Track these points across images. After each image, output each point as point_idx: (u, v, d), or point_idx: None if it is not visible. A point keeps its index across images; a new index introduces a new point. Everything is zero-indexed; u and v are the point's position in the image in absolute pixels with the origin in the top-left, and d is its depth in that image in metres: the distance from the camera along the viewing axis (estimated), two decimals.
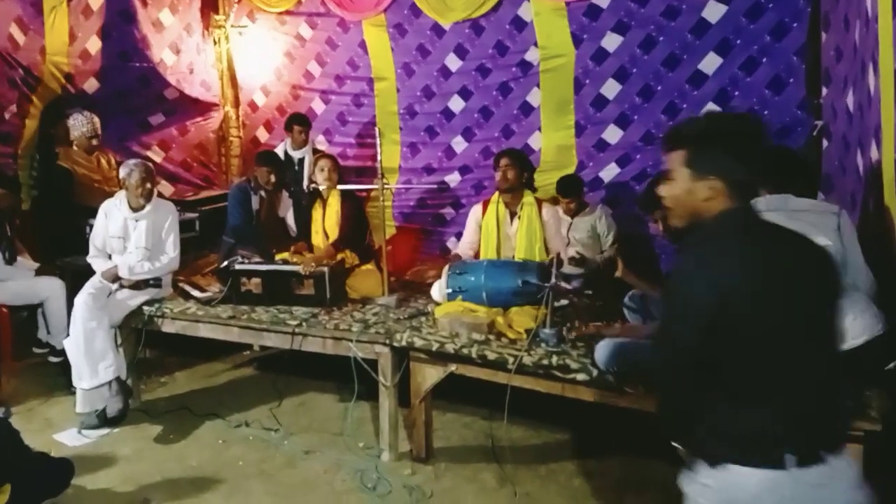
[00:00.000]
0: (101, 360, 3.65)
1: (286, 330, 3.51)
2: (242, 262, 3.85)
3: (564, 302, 3.52)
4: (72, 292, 3.95)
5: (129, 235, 3.90)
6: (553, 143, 4.83)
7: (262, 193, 4.36)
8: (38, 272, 4.39)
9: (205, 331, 3.79)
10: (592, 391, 2.83)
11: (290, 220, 4.52)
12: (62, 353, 3.86)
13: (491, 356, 2.99)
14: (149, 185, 3.86)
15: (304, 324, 3.49)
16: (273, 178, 4.32)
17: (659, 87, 4.41)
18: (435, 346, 3.12)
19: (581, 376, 2.79)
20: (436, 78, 5.17)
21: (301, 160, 5.13)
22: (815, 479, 1.45)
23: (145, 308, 3.87)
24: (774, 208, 2.71)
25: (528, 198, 3.87)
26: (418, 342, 3.17)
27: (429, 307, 3.58)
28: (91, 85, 5.23)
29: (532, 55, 4.78)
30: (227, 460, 3.40)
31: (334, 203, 4.20)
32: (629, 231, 4.46)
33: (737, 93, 4.17)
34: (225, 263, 3.88)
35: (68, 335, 3.72)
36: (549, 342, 2.97)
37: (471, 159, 5.18)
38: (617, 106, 4.57)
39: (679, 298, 1.56)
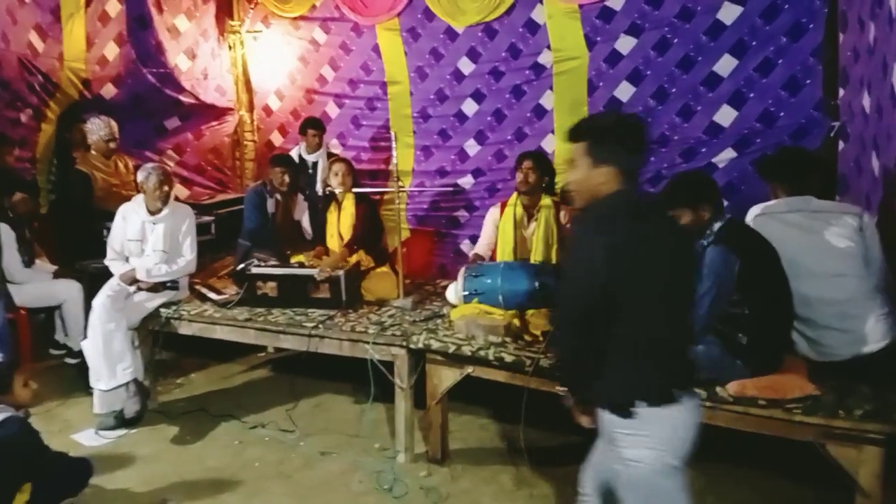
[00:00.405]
0: (118, 361, 3.68)
1: (303, 332, 3.52)
2: (259, 266, 3.87)
3: None
4: (89, 295, 3.98)
5: (147, 238, 3.93)
6: (566, 146, 4.79)
7: (278, 196, 4.39)
8: (56, 275, 4.43)
9: (221, 333, 3.82)
10: None
11: (306, 223, 4.54)
12: (79, 354, 3.89)
13: (508, 358, 2.98)
14: (166, 189, 3.89)
15: (320, 326, 3.50)
16: (287, 179, 4.34)
17: (673, 90, 4.38)
18: (452, 349, 3.12)
19: None
20: (449, 81, 5.17)
21: (315, 164, 5.15)
22: (689, 407, 1.92)
23: (162, 310, 3.91)
24: (796, 209, 2.71)
25: (546, 200, 3.87)
26: (435, 344, 3.17)
27: (444, 309, 3.59)
28: (108, 90, 5.29)
29: (545, 58, 4.76)
30: (244, 461, 3.42)
31: (349, 206, 4.22)
32: None
33: (752, 94, 4.13)
34: (241, 266, 3.91)
35: (85, 337, 3.75)
36: None
37: (484, 162, 5.17)
38: (631, 108, 4.53)
39: (577, 260, 1.91)
